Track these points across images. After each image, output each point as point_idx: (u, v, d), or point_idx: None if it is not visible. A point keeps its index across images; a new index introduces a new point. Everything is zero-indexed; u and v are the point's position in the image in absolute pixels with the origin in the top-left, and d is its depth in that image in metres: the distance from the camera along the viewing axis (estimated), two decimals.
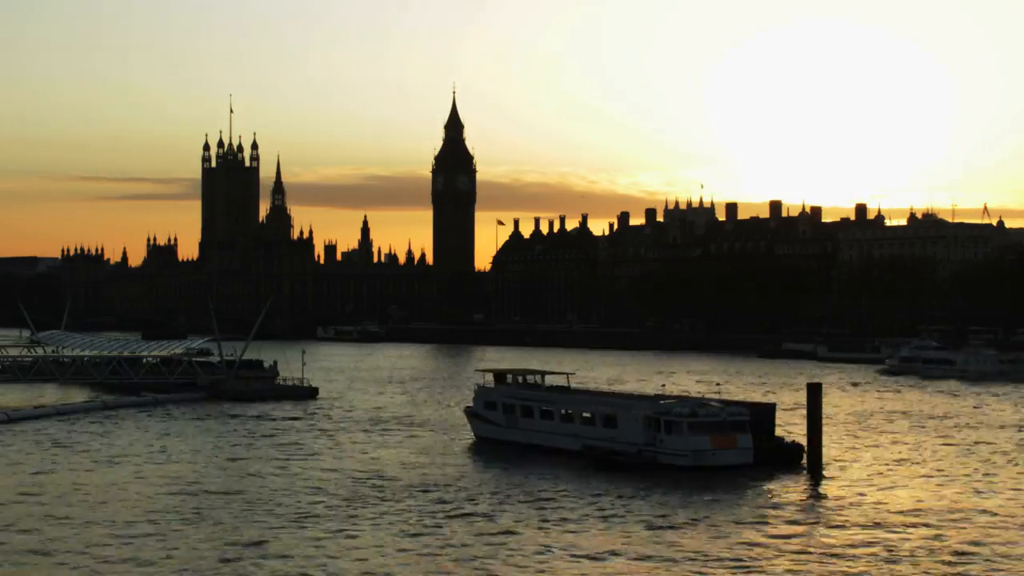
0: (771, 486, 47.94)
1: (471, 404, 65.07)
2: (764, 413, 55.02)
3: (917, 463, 54.81)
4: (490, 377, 66.65)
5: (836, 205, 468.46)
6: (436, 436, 65.10)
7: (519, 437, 59.47)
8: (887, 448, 60.04)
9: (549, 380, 65.38)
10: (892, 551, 36.13)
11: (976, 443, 62.02)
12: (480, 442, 61.69)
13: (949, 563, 34.78)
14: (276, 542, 37.01)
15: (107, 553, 35.52)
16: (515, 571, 33.74)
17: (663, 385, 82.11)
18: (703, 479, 48.49)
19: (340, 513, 41.76)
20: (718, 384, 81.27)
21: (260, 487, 47.27)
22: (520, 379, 65.18)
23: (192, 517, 40.84)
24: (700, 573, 33.58)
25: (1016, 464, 54.61)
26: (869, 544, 37.04)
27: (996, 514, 42.24)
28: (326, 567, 34.01)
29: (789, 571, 33.79)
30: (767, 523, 40.23)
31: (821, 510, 43.27)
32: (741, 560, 34.91)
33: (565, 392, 61.99)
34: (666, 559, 34.98)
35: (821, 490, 47.48)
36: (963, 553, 35.97)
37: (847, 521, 40.73)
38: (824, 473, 50.86)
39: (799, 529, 39.47)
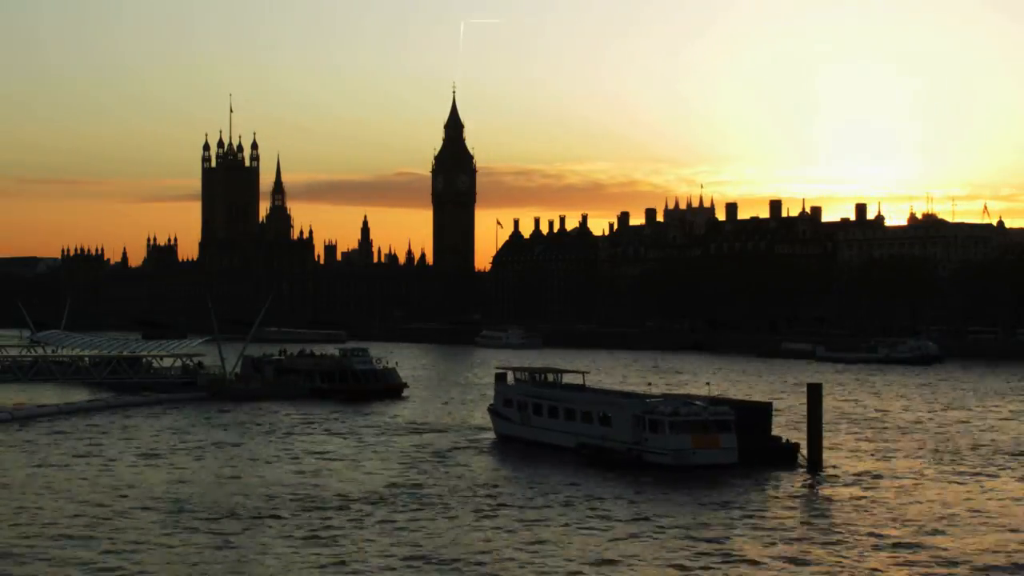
0: (777, 485, 47.97)
1: (493, 402, 65.51)
2: (759, 412, 55.00)
3: (914, 463, 54.83)
4: (510, 376, 66.63)
5: (836, 205, 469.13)
6: (452, 434, 65.37)
7: (531, 435, 59.85)
8: (883, 447, 60.05)
9: (566, 379, 65.65)
10: (891, 551, 36.16)
11: (974, 442, 62.10)
12: (499, 440, 62.02)
13: (949, 563, 34.81)
14: (280, 542, 37.04)
15: (108, 556, 35.52)
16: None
17: (649, 384, 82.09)
18: (682, 478, 48.48)
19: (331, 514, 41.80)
20: (708, 383, 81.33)
21: (265, 487, 47.27)
22: (537, 377, 65.44)
23: (196, 517, 40.84)
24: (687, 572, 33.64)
25: (1013, 466, 54.67)
26: (867, 543, 37.07)
27: (995, 513, 42.28)
28: (326, 566, 34.06)
29: (785, 571, 33.82)
30: (757, 525, 40.24)
31: (821, 509, 43.31)
32: (728, 561, 34.96)
33: (573, 390, 62.21)
34: (642, 560, 35.03)
35: (822, 489, 47.50)
36: (963, 554, 35.98)
37: (846, 520, 40.76)
38: (823, 472, 50.91)
39: (796, 529, 39.50)
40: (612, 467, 51.36)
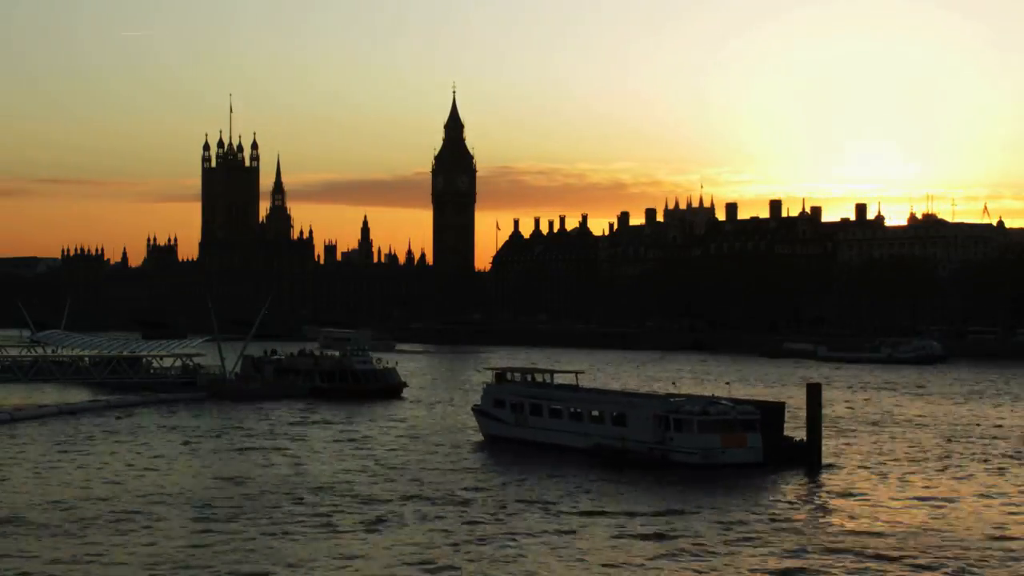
0: (778, 485, 47.95)
1: (479, 403, 65.17)
2: (774, 412, 55.09)
3: (919, 463, 54.78)
4: (503, 376, 66.41)
5: (836, 205, 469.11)
6: (442, 435, 65.20)
7: (527, 435, 59.64)
8: (888, 447, 60.00)
9: (558, 379, 65.48)
10: (890, 551, 36.10)
11: (976, 444, 62.05)
12: (488, 440, 61.87)
13: (948, 563, 34.73)
14: (281, 542, 36.97)
15: (110, 557, 35.45)
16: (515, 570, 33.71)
17: (673, 383, 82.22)
18: (712, 477, 48.57)
19: (330, 514, 41.71)
20: (727, 383, 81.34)
21: (264, 486, 47.18)
22: (530, 378, 65.25)
23: (197, 518, 40.78)
24: (701, 571, 33.55)
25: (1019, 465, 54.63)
26: (868, 544, 37.00)
27: (1000, 512, 42.22)
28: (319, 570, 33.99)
29: (788, 570, 33.75)
30: (771, 521, 40.16)
31: (821, 509, 43.26)
32: (739, 557, 34.90)
33: (574, 390, 62.07)
34: (670, 556, 34.96)
35: (822, 489, 47.45)
36: (962, 554, 35.90)
37: (846, 520, 40.70)
38: (825, 472, 50.91)
39: (801, 527, 39.43)
40: (632, 467, 51.12)
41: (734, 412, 52.08)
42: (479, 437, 63.15)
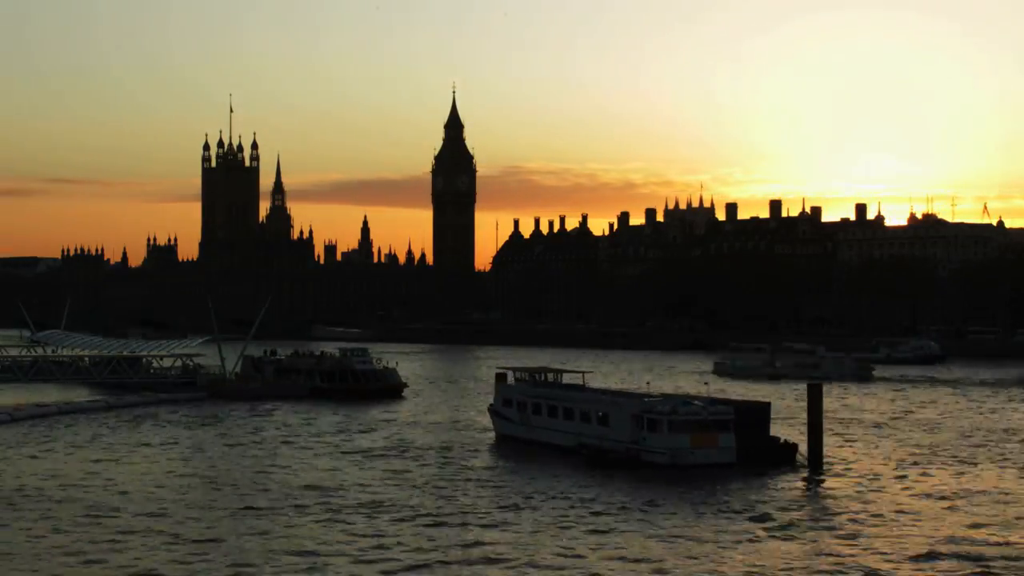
0: (774, 484, 47.95)
1: (493, 403, 65.65)
2: (758, 412, 55.06)
3: (915, 462, 54.82)
4: (511, 376, 66.75)
5: (838, 205, 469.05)
6: (449, 435, 65.36)
7: (531, 435, 59.95)
8: (885, 447, 60.05)
9: (566, 379, 65.72)
10: (889, 551, 36.16)
11: (977, 439, 62.13)
12: (499, 440, 62.13)
13: (947, 561, 34.79)
14: (282, 540, 37.05)
15: (111, 558, 35.51)
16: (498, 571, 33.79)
17: (648, 383, 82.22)
18: (682, 477, 48.43)
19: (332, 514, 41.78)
20: (706, 383, 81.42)
21: (260, 488, 47.25)
22: (539, 377, 65.57)
23: (198, 517, 40.84)
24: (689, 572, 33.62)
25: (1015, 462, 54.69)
26: (866, 543, 37.06)
27: (998, 511, 42.27)
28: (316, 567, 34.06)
29: (783, 571, 33.82)
30: (758, 523, 40.21)
31: (820, 509, 43.29)
32: (736, 557, 34.96)
33: (579, 390, 62.27)
34: (643, 560, 35.02)
35: (822, 489, 47.50)
36: (960, 552, 35.96)
37: (844, 520, 40.74)
38: (823, 472, 50.93)
39: (793, 529, 39.49)
40: (611, 467, 51.33)
41: (705, 412, 51.96)
42: (491, 436, 63.57)
